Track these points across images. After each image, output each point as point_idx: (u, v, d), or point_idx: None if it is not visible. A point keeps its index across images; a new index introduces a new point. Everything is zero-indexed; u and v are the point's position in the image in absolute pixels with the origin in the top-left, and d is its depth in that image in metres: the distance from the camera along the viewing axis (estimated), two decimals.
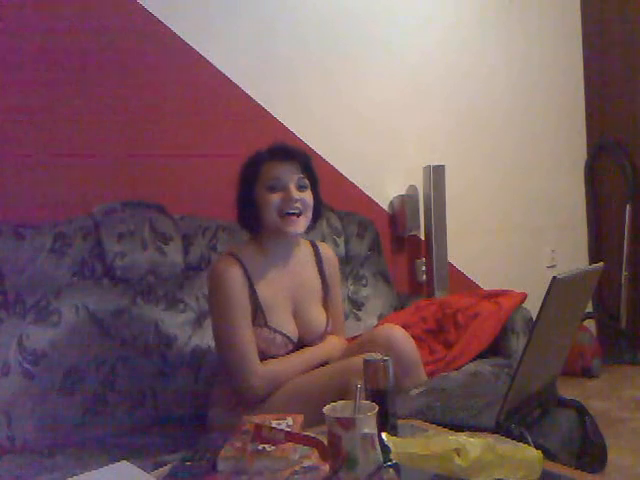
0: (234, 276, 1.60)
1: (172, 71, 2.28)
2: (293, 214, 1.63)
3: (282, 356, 1.66)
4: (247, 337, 1.59)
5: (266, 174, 1.65)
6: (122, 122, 2.17)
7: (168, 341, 1.91)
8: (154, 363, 1.87)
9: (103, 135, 2.13)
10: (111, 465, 1.15)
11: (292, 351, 1.68)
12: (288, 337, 1.66)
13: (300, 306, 1.72)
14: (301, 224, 1.65)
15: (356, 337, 1.92)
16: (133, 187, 2.15)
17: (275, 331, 1.64)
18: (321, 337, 1.74)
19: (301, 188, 1.65)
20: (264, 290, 1.65)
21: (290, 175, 1.64)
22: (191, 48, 2.30)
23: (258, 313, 1.63)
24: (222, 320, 1.62)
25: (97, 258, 1.88)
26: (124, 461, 1.16)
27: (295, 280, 1.73)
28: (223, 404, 1.67)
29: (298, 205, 1.63)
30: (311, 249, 1.82)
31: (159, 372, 1.87)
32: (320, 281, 1.79)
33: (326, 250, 1.85)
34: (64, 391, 1.73)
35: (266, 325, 1.63)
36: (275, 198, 1.62)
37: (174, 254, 2.01)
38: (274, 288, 1.67)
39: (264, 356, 1.62)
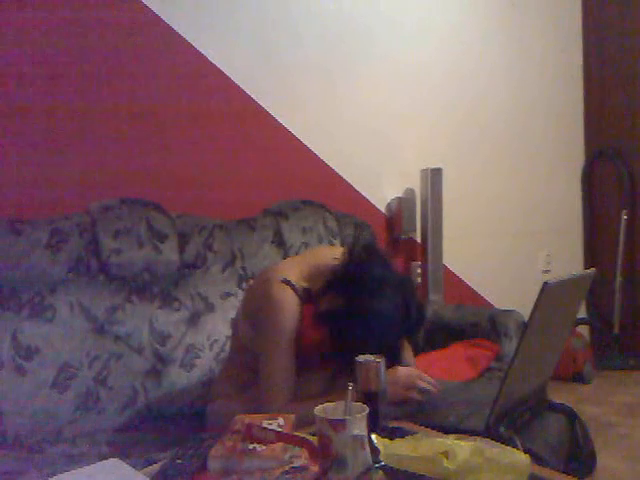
0: (292, 314, 1.51)
1: (171, 69, 2.29)
2: None
3: None
4: (288, 376, 1.52)
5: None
6: (120, 118, 2.17)
7: (162, 339, 1.91)
8: (147, 360, 1.87)
9: (101, 131, 2.14)
10: (101, 462, 1.16)
11: None
12: None
13: None
14: None
15: None
16: (130, 184, 2.16)
17: None
18: None
19: None
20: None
21: None
22: (192, 46, 2.31)
23: None
24: (271, 355, 1.53)
25: (93, 255, 1.88)
26: (114, 458, 1.16)
27: None
28: (225, 396, 1.67)
29: None
30: None
31: (152, 370, 1.88)
32: None
33: None
34: (57, 387, 1.73)
35: None
36: None
37: (170, 252, 2.01)
38: None
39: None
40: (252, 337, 1.59)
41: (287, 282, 1.53)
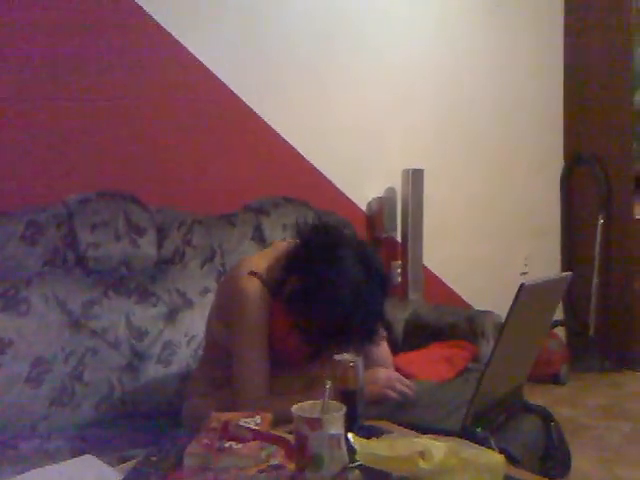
0: (261, 305, 1.51)
1: (154, 63, 2.26)
2: None
3: None
4: (261, 368, 1.50)
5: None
6: (101, 111, 2.15)
7: (139, 334, 1.89)
8: (124, 356, 1.85)
9: (79, 123, 2.11)
10: (76, 458, 1.14)
11: None
12: None
13: None
14: None
15: None
16: (109, 177, 2.13)
17: None
18: None
19: None
20: None
21: None
22: (177, 41, 2.28)
23: None
24: (241, 347, 1.53)
25: (70, 248, 1.86)
26: (88, 455, 1.15)
27: None
28: (199, 394, 1.66)
29: None
30: None
31: (129, 365, 1.86)
32: None
33: None
34: (31, 382, 1.70)
35: None
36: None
37: (148, 247, 1.99)
38: None
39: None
40: (224, 334, 1.58)
41: (254, 274, 1.53)
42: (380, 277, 1.46)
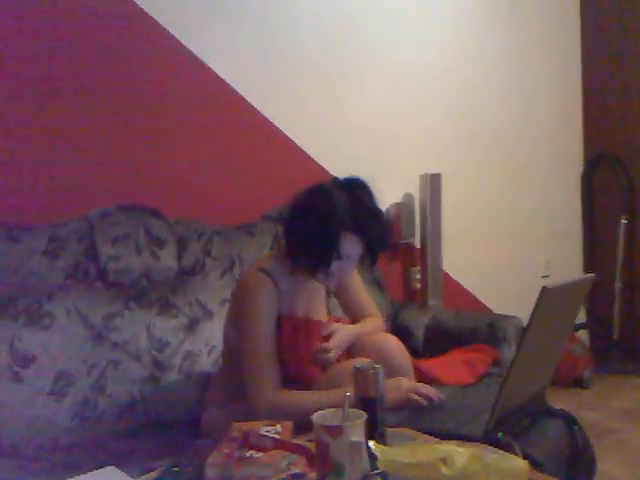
0: (267, 297, 1.58)
1: (169, 75, 2.29)
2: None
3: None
4: (271, 361, 1.55)
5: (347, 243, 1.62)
6: (118, 125, 2.17)
7: (160, 346, 1.91)
8: (145, 368, 1.87)
9: (100, 137, 2.13)
10: (98, 470, 1.15)
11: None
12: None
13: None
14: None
15: None
16: (128, 190, 2.15)
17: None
18: None
19: None
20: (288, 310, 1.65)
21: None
22: (189, 50, 2.31)
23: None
24: (250, 340, 1.58)
25: (91, 261, 1.88)
26: (111, 466, 1.16)
27: (312, 295, 1.72)
28: (218, 404, 1.67)
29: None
30: None
31: (150, 377, 1.87)
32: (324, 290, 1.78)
33: None
34: (54, 395, 1.72)
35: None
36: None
37: (168, 258, 2.00)
38: (296, 305, 1.67)
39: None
40: (238, 337, 1.61)
41: (261, 270, 1.60)
42: (364, 186, 1.69)
